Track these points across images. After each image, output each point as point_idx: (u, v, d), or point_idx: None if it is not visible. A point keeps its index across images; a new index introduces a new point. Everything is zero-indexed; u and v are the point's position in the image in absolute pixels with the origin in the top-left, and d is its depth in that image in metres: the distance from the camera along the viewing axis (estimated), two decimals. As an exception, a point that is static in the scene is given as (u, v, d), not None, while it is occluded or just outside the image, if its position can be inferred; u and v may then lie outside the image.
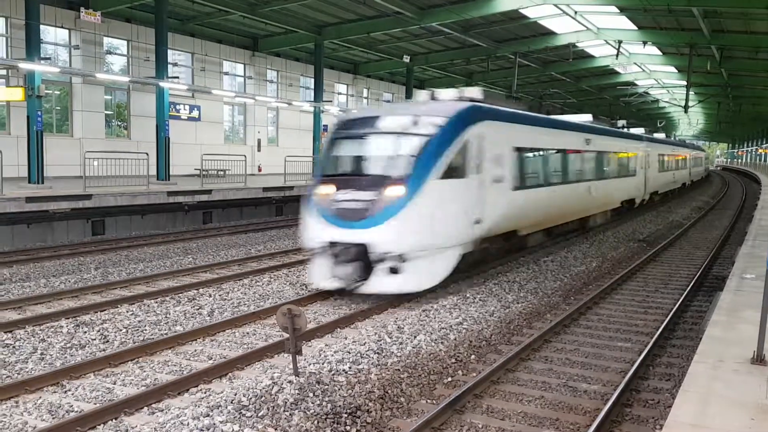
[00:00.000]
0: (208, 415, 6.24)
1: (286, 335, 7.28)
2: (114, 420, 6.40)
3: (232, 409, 6.37)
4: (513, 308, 10.91)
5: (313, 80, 32.95)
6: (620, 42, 30.75)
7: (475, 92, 13.68)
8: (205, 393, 7.20)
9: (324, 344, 8.87)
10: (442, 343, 8.81)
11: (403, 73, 39.47)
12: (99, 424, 6.27)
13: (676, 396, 5.31)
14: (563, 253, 16.54)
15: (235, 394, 6.71)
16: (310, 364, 7.68)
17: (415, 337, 8.97)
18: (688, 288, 12.36)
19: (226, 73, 32.58)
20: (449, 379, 7.81)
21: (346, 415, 6.37)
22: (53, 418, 6.46)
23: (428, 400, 7.17)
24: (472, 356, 8.59)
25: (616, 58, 34.17)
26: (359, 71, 39.56)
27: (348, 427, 6.20)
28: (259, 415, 6.26)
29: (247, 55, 32.92)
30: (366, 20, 27.48)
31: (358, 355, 8.08)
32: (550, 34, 31.07)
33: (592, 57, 37.40)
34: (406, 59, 32.96)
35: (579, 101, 52.56)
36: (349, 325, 9.92)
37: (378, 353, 8.18)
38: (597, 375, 8.01)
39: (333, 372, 7.42)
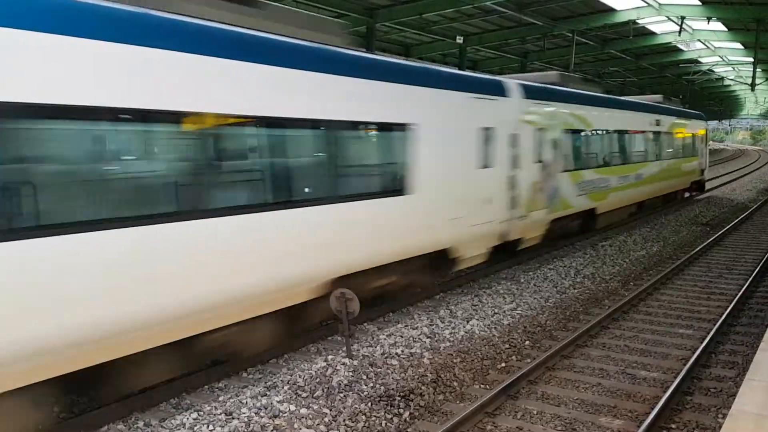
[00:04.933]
0: (265, 395, 6.39)
1: (340, 318, 7.36)
2: (176, 398, 6.61)
3: (288, 389, 6.49)
4: (569, 294, 10.73)
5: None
6: (683, 18, 29.55)
7: None
8: (261, 373, 7.35)
9: (376, 328, 8.92)
10: (495, 328, 8.74)
11: (456, 55, 39.02)
12: (161, 402, 6.49)
13: (740, 385, 5.13)
14: (622, 237, 16.13)
15: (291, 375, 6.85)
16: (363, 347, 7.75)
17: (467, 321, 8.94)
18: (754, 273, 11.88)
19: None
20: (503, 364, 7.75)
21: (399, 398, 6.41)
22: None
23: (481, 385, 7.14)
24: (527, 342, 8.50)
25: (679, 35, 32.83)
26: (411, 54, 39.28)
27: (401, 410, 6.24)
28: (315, 395, 6.37)
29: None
30: (419, 1, 27.23)
31: (411, 339, 8.11)
32: (610, 10, 30.13)
33: (653, 34, 36.11)
34: (459, 40, 32.53)
35: (639, 80, 50.94)
36: (401, 309, 9.94)
37: (430, 337, 8.19)
38: (657, 362, 7.81)
39: (386, 355, 7.48)
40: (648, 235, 16.57)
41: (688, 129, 23.74)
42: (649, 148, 19.41)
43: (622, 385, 7.14)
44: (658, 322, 9.49)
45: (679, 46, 40.47)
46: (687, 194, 25.28)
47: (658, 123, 19.96)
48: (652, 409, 6.21)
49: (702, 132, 25.78)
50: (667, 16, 30.49)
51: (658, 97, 22.76)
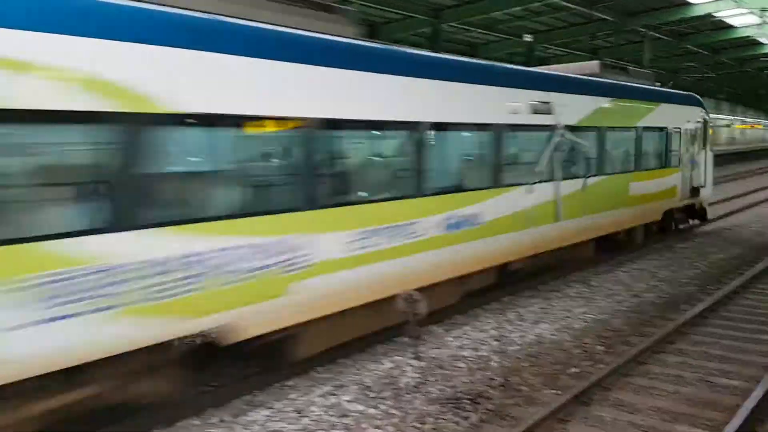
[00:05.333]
0: (334, 394, 6.47)
1: (407, 320, 7.38)
2: (248, 395, 6.77)
3: (356, 389, 6.55)
4: (644, 298, 10.39)
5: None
6: (765, 10, 28.20)
7: None
8: (330, 372, 7.43)
9: (443, 330, 8.88)
10: (566, 332, 8.56)
11: (524, 53, 38.46)
12: (234, 399, 6.65)
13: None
14: (699, 239, 15.49)
15: (359, 375, 6.91)
16: (429, 349, 7.74)
17: (536, 325, 8.79)
18: None
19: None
20: (574, 369, 7.57)
21: (467, 401, 6.36)
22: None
23: (552, 390, 6.99)
24: (599, 347, 8.27)
25: (760, 28, 31.37)
26: (478, 53, 39.00)
27: (469, 413, 6.19)
28: (382, 396, 6.40)
29: (366, 43, 33.34)
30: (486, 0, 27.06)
31: (478, 341, 8.05)
32: (685, 4, 29.07)
33: (731, 27, 34.59)
34: (528, 38, 32.07)
35: (718, 75, 48.85)
36: (467, 312, 9.84)
37: (498, 340, 8.10)
38: (738, 369, 7.45)
39: (453, 357, 7.44)
40: (728, 236, 15.85)
41: (652, 120, 13.75)
42: (523, 159, 10.09)
43: (700, 392, 6.85)
44: (740, 327, 9.06)
45: (760, 39, 38.59)
46: (675, 226, 15.78)
47: (549, 109, 10.18)
48: (734, 417, 5.93)
49: (696, 127, 15.60)
50: (747, 8, 29.16)
51: (593, 63, 13.32)
